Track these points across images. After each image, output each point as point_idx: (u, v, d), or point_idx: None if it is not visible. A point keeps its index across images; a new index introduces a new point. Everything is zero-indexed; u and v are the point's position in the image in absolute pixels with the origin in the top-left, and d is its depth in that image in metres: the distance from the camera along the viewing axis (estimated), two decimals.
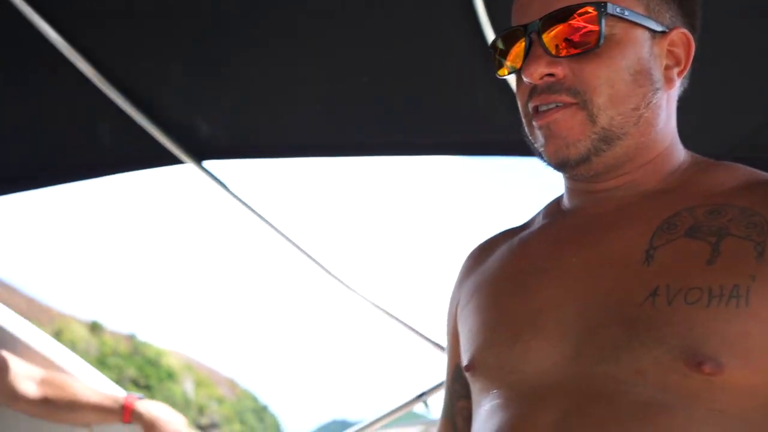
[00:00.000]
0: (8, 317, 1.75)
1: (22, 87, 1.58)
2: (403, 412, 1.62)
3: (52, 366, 1.70)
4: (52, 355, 1.73)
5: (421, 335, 1.61)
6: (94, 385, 1.70)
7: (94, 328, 27.43)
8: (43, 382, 1.62)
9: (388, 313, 1.64)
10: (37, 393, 1.60)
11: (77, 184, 1.87)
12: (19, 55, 1.52)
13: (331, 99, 1.64)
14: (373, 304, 1.65)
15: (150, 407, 1.65)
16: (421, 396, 1.59)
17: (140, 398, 1.68)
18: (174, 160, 1.71)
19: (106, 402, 1.63)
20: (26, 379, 1.61)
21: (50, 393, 1.60)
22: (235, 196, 1.70)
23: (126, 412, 1.63)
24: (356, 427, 1.62)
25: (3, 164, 1.81)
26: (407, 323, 1.63)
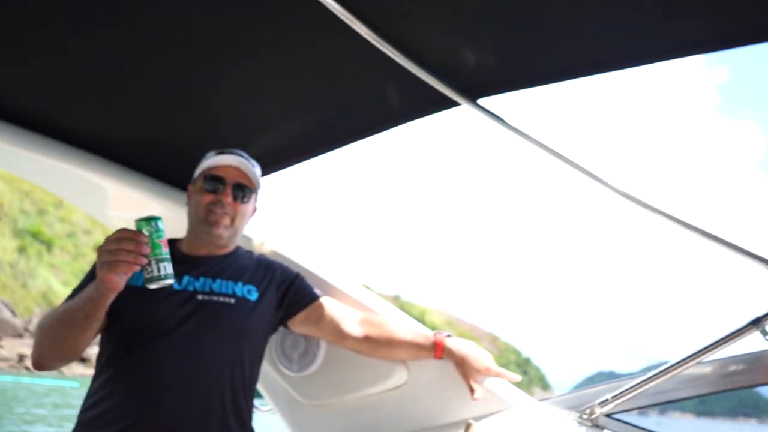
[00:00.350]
0: (328, 270, 1.96)
1: (303, 53, 1.70)
2: (735, 341, 1.44)
3: (368, 309, 1.86)
4: (366, 300, 1.89)
5: (751, 254, 1.40)
6: (406, 325, 1.82)
7: None
8: (364, 323, 1.78)
9: (703, 233, 1.45)
10: (360, 332, 1.76)
11: (345, 150, 1.98)
12: (307, 29, 1.64)
13: (602, 8, 1.49)
14: (683, 223, 1.48)
15: (459, 344, 1.71)
16: (756, 322, 1.40)
17: (448, 336, 1.75)
18: (449, 104, 1.73)
19: (419, 339, 1.74)
20: (350, 320, 1.78)
21: (371, 332, 1.76)
22: (515, 131, 1.65)
23: (437, 349, 1.71)
24: (688, 353, 1.49)
25: (299, 134, 2.00)
26: (732, 243, 1.42)
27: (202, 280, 1.68)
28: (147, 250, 1.34)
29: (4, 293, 33.51)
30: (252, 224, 2.02)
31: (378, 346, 1.75)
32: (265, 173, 2.02)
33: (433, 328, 1.83)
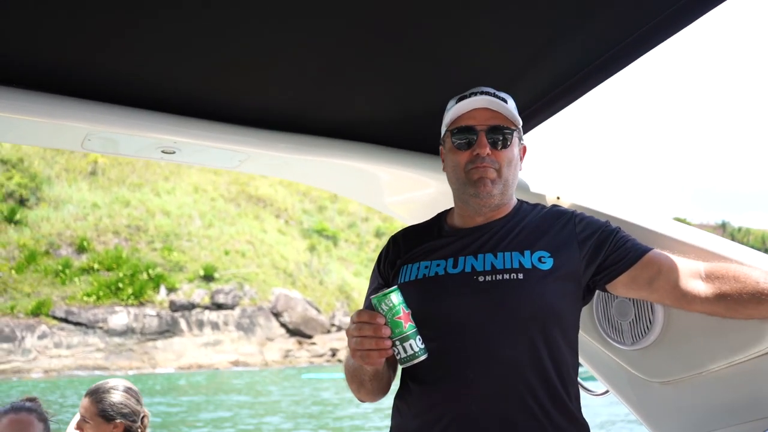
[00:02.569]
0: (646, 216, 1.76)
1: None
2: None
3: (714, 257, 1.61)
4: (709, 245, 1.64)
5: None
6: None
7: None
8: (713, 276, 1.52)
9: None
10: (711, 290, 1.51)
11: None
12: None
13: None
14: None
15: None
16: None
17: None
18: None
19: None
20: (694, 276, 1.54)
21: (726, 287, 1.49)
22: None
23: None
24: None
25: (563, 68, 1.80)
26: None
27: (480, 257, 1.57)
28: (387, 332, 1.38)
29: (306, 293, 38.77)
30: (537, 174, 1.90)
31: (739, 304, 1.47)
32: (531, 125, 1.89)
33: None
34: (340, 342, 35.67)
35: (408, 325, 1.39)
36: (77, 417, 2.61)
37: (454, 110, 1.64)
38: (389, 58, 1.71)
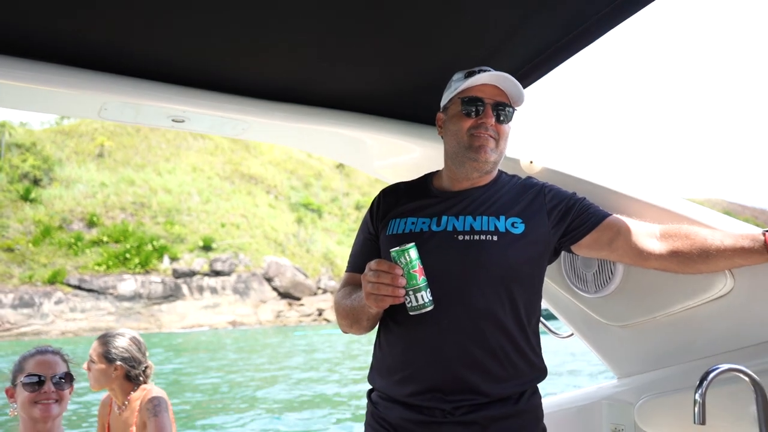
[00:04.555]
0: (611, 178, 1.75)
1: None
2: None
3: (671, 216, 1.61)
4: (666, 205, 1.64)
5: None
6: (725, 228, 1.52)
7: None
8: (667, 236, 1.52)
9: None
10: (664, 248, 1.51)
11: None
12: None
13: None
14: None
15: None
16: None
17: None
18: None
19: (744, 242, 1.43)
20: (649, 236, 1.54)
21: (678, 245, 1.49)
22: None
23: None
24: None
25: (549, 34, 1.75)
26: None
27: (461, 218, 1.58)
28: (403, 282, 1.39)
29: (294, 260, 38.71)
30: (514, 142, 1.88)
31: (690, 260, 1.48)
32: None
33: None
34: (325, 303, 35.78)
35: (422, 279, 1.40)
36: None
37: (467, 81, 1.62)
38: (380, 35, 1.67)
